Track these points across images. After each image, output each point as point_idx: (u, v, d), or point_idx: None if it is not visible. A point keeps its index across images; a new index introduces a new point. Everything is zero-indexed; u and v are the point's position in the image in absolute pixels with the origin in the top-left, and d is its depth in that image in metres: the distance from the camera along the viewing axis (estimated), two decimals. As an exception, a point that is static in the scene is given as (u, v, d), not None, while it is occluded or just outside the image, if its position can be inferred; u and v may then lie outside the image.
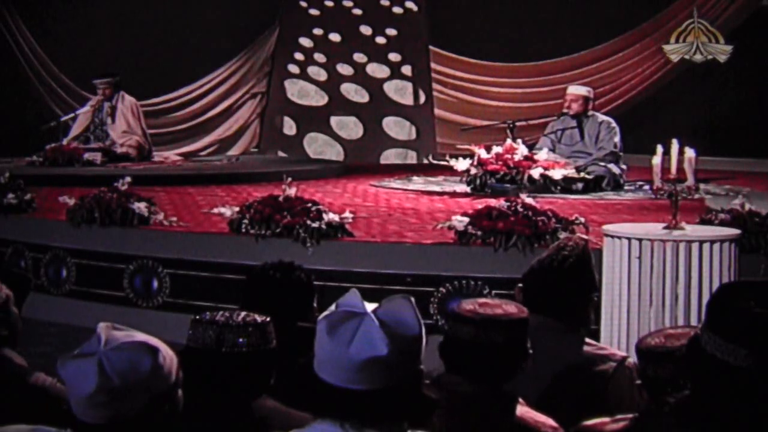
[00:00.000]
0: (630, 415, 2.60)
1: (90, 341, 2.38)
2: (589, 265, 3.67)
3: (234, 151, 14.63)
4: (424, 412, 2.33)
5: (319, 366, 2.28)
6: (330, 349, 2.25)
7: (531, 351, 3.07)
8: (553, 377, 3.41)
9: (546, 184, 9.71)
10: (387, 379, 2.24)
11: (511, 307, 3.08)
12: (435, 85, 14.79)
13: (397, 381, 2.25)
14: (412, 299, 2.30)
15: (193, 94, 14.63)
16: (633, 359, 3.64)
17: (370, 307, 2.28)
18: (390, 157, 14.76)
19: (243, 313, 2.85)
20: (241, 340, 2.78)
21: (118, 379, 2.31)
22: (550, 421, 3.04)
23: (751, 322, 2.18)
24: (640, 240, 5.46)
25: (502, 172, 9.82)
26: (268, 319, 2.87)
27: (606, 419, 2.63)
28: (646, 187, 9.73)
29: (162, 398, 2.35)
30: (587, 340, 3.61)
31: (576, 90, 10.81)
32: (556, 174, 9.76)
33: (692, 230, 5.65)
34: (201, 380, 2.79)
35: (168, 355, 2.39)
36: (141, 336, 2.40)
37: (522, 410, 3.05)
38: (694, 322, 5.26)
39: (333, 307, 2.31)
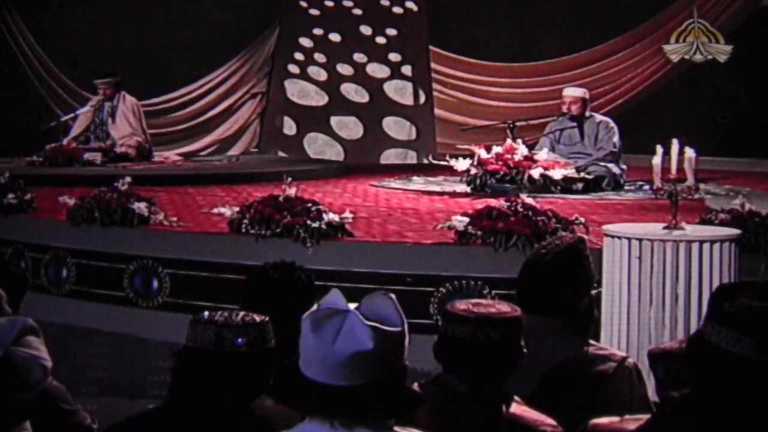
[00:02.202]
0: (640, 416, 2.60)
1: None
2: (579, 260, 3.65)
3: (234, 151, 14.63)
4: (408, 407, 2.36)
5: (304, 364, 2.31)
6: (315, 346, 2.28)
7: (525, 350, 3.09)
8: (550, 376, 3.41)
9: (546, 184, 9.72)
10: (372, 375, 2.27)
11: (504, 306, 3.11)
12: (435, 85, 14.78)
13: (382, 377, 2.28)
14: (393, 296, 2.33)
15: (193, 94, 14.63)
16: (633, 359, 3.65)
17: (351, 305, 2.32)
18: (390, 157, 14.76)
19: (242, 313, 2.85)
20: (239, 340, 2.77)
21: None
22: (549, 420, 3.05)
23: (756, 312, 2.22)
24: (640, 240, 5.45)
25: (502, 172, 9.83)
26: (267, 318, 2.87)
27: (615, 419, 2.64)
28: (646, 187, 9.73)
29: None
30: (588, 340, 3.61)
31: (573, 92, 10.81)
32: (556, 174, 9.76)
33: (692, 230, 5.64)
34: (199, 380, 2.79)
35: None
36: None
37: (520, 409, 3.06)
38: (694, 321, 5.26)
39: (315, 307, 2.35)
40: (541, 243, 3.87)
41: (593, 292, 3.70)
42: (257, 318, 2.84)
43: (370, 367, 2.26)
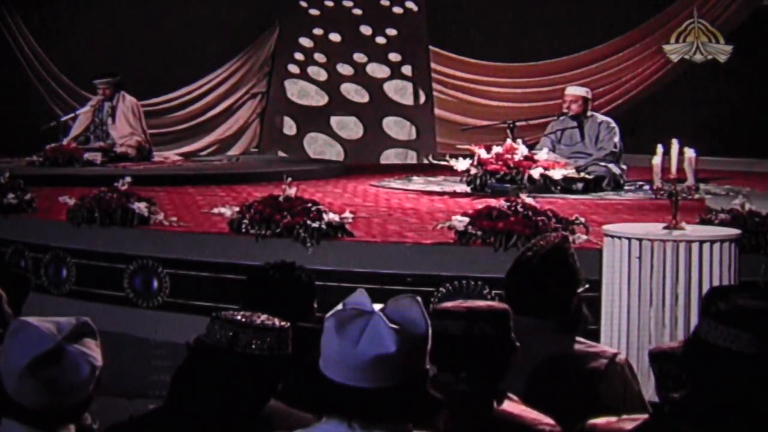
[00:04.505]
0: (638, 416, 2.61)
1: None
2: (565, 260, 3.66)
3: (234, 151, 14.63)
4: (430, 411, 2.34)
5: (325, 365, 2.29)
6: (338, 347, 2.26)
7: (518, 344, 3.12)
8: (539, 373, 3.42)
9: (546, 184, 9.71)
10: (394, 378, 2.25)
11: (492, 303, 3.16)
12: (435, 85, 14.78)
13: (404, 380, 2.26)
14: (419, 299, 2.32)
15: (193, 94, 14.63)
16: (624, 356, 3.66)
17: (377, 306, 2.29)
18: (390, 157, 14.76)
19: (263, 316, 2.81)
20: (255, 342, 2.75)
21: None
22: (548, 419, 3.06)
23: (752, 309, 2.23)
24: (640, 240, 5.46)
25: (502, 172, 9.83)
26: (287, 324, 2.83)
27: (612, 419, 2.64)
28: (646, 187, 9.73)
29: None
30: (578, 338, 3.62)
31: (574, 91, 10.81)
32: (556, 174, 9.76)
33: (692, 230, 5.64)
34: (207, 379, 2.78)
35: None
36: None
37: (519, 408, 3.06)
38: (693, 321, 5.26)
39: (340, 306, 2.31)
40: (525, 245, 3.89)
41: (580, 290, 3.70)
42: (277, 323, 2.81)
43: (391, 370, 2.24)
